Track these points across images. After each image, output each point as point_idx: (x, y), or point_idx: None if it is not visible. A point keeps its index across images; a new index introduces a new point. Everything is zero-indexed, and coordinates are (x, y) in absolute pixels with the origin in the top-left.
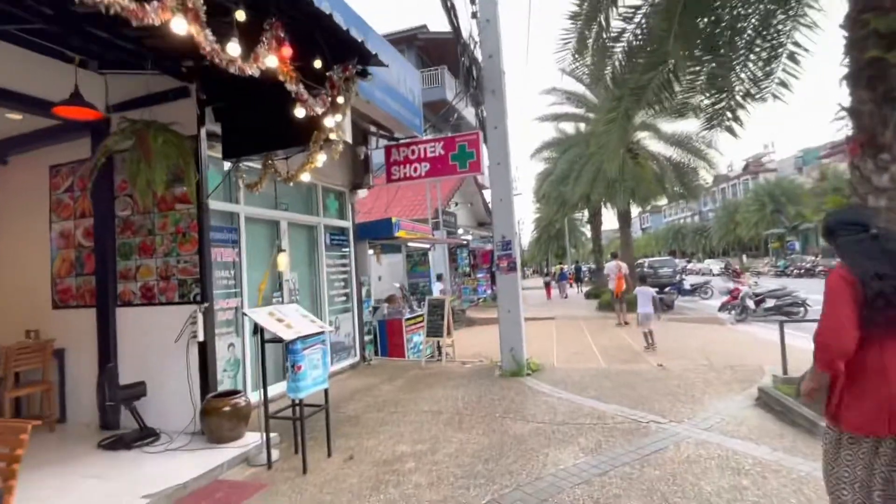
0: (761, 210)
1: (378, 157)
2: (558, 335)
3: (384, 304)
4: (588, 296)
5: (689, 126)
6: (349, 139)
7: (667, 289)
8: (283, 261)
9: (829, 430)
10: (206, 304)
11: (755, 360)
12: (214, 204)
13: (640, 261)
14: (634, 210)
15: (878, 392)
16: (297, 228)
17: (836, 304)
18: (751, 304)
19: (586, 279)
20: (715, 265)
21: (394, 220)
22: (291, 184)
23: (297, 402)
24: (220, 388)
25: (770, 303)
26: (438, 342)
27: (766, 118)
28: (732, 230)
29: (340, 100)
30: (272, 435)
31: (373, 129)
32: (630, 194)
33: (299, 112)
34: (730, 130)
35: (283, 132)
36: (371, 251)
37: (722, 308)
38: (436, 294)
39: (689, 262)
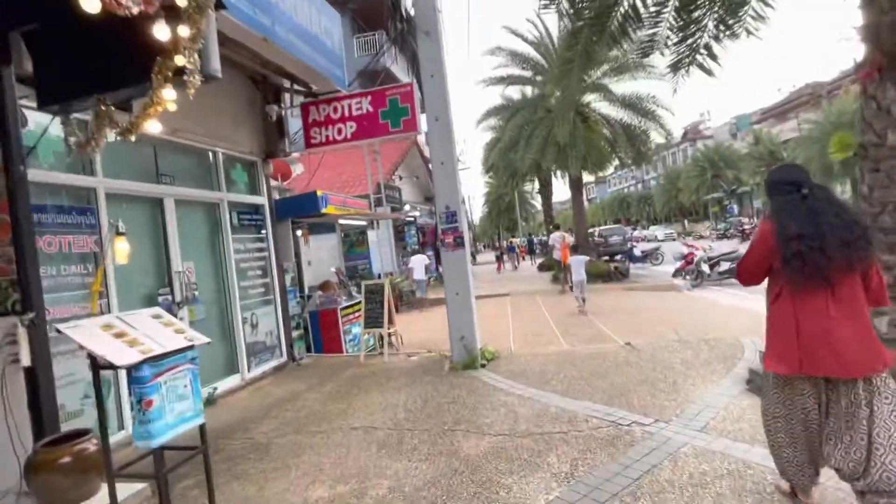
0: (701, 175)
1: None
2: (514, 313)
3: (317, 293)
4: (541, 268)
5: (640, 86)
6: (215, 70)
7: (618, 256)
8: (121, 250)
9: (766, 373)
10: (30, 315)
11: (726, 331)
12: (54, 176)
13: (590, 230)
14: (587, 177)
15: (790, 338)
16: (189, 207)
17: (753, 250)
18: (705, 268)
19: (538, 251)
20: (660, 231)
21: (319, 193)
22: (133, 138)
23: (153, 450)
24: (77, 426)
25: (724, 266)
26: (380, 333)
27: (702, 86)
28: (675, 196)
29: (182, 1)
30: (139, 487)
31: (287, 84)
32: (582, 160)
33: (90, 4)
34: (703, 69)
35: (114, 65)
36: (299, 232)
37: (676, 274)
38: (419, 275)
39: (634, 229)
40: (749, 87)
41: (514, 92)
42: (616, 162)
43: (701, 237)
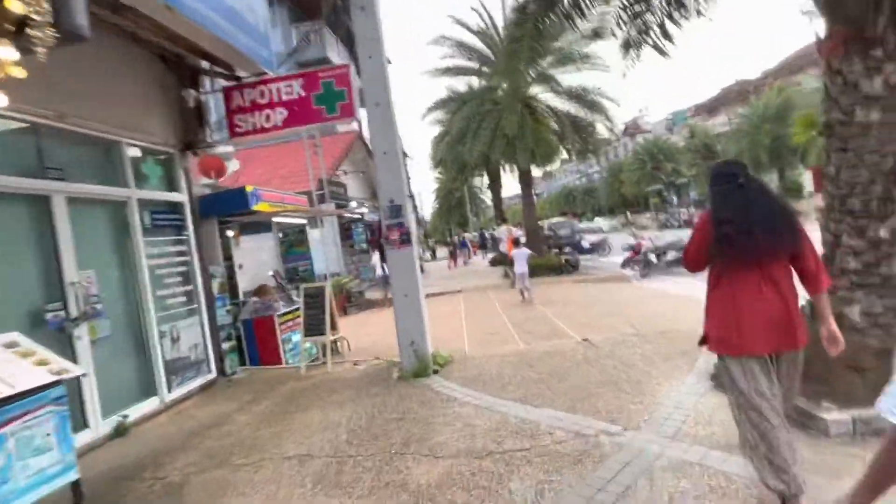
0: (642, 168)
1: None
2: (468, 311)
3: (252, 299)
4: (493, 262)
5: (586, 78)
6: (80, 27)
7: (566, 249)
8: None
9: (720, 362)
10: None
11: (681, 322)
12: None
13: (539, 223)
14: (536, 172)
15: (728, 316)
16: (87, 206)
17: (695, 237)
18: (653, 258)
19: (490, 246)
20: (605, 223)
21: (248, 189)
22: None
23: None
24: None
25: (671, 255)
26: (323, 341)
27: (641, 82)
28: (618, 189)
29: None
30: None
31: (206, 66)
32: (531, 153)
33: None
34: (658, 49)
35: None
36: (230, 232)
37: (625, 264)
38: (379, 271)
39: (579, 221)
40: (684, 84)
41: (461, 84)
42: (564, 155)
43: (643, 228)
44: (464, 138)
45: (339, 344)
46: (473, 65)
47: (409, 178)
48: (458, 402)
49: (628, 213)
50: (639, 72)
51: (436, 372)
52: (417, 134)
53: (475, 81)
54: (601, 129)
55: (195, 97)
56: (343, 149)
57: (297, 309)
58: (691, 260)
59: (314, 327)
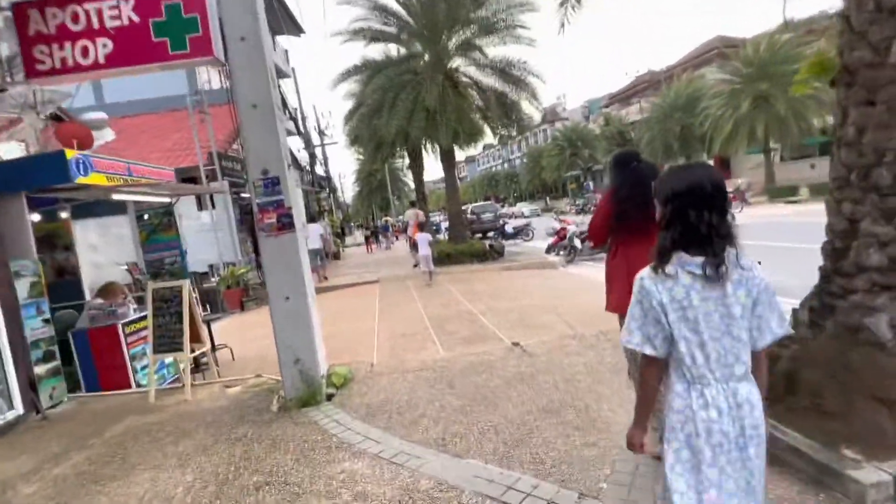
0: (561, 154)
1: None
2: (382, 305)
3: (93, 302)
4: (414, 247)
5: (511, 53)
6: None
7: (490, 233)
8: None
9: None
10: None
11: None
12: None
13: (463, 206)
14: (460, 155)
15: (623, 279)
16: None
17: (598, 211)
18: (578, 243)
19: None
20: (526, 208)
21: (70, 154)
22: None
23: None
24: None
25: None
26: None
27: (559, 71)
28: (538, 174)
29: None
30: None
31: None
32: (453, 131)
33: None
34: None
35: None
36: (65, 214)
37: (549, 250)
38: (313, 244)
39: (502, 206)
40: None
41: (377, 52)
42: (489, 136)
43: (562, 212)
44: (380, 111)
45: (209, 358)
46: (391, 29)
47: (325, 158)
48: (352, 450)
49: (548, 199)
50: (557, 58)
51: (330, 398)
52: (338, 110)
53: (393, 49)
54: (527, 108)
55: None
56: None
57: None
58: (595, 233)
59: (167, 341)
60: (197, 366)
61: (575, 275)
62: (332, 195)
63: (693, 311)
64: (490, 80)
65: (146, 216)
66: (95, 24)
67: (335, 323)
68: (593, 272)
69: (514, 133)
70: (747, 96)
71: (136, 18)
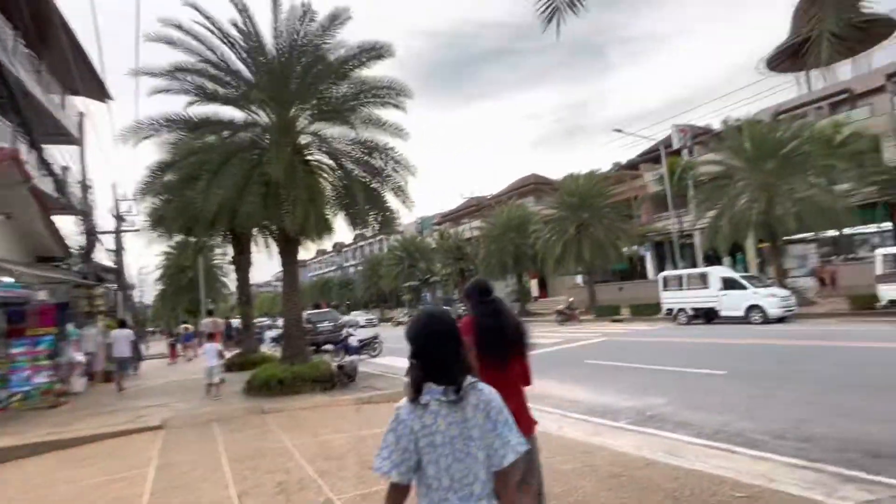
0: (399, 264)
1: None
2: (157, 486)
3: None
4: (231, 367)
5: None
6: None
7: (327, 346)
8: None
9: None
10: None
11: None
12: None
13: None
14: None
15: None
16: None
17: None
18: None
19: (235, 337)
20: (361, 317)
21: None
22: None
23: None
24: None
25: None
26: None
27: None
28: (376, 283)
29: None
30: None
31: None
32: (304, 214)
33: None
34: None
35: None
36: None
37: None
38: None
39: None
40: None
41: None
42: (341, 229)
43: (400, 323)
44: (196, 178)
45: None
46: (229, 91)
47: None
48: None
49: (382, 309)
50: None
51: None
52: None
53: (225, 112)
54: (392, 202)
55: None
56: None
57: None
58: None
59: None
60: None
61: None
62: (119, 293)
63: (441, 435)
64: (350, 165)
65: None
66: None
67: None
68: None
69: (377, 229)
70: (572, 223)
71: None
